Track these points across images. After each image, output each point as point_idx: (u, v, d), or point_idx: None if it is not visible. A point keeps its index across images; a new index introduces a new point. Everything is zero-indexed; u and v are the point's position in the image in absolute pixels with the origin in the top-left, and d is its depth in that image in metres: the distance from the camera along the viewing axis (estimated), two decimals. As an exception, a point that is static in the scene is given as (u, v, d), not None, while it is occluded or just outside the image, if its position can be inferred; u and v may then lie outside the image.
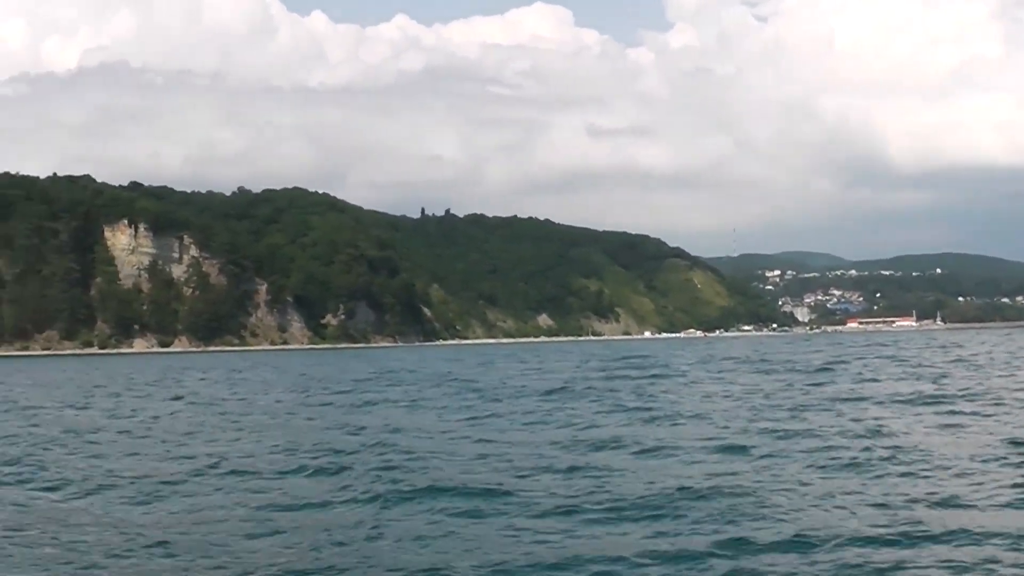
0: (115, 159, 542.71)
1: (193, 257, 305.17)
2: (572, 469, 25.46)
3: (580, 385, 61.33)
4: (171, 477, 26.28)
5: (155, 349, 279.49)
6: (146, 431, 39.65)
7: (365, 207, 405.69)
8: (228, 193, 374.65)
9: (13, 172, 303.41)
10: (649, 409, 42.02)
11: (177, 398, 58.97)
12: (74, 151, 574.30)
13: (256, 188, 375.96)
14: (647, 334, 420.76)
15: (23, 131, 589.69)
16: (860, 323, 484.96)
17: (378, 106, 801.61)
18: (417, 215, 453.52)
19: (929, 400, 42.79)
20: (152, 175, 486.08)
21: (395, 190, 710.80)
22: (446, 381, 73.76)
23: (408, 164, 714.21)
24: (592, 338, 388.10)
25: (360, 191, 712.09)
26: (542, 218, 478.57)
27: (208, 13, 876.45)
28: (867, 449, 27.56)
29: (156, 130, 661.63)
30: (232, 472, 26.69)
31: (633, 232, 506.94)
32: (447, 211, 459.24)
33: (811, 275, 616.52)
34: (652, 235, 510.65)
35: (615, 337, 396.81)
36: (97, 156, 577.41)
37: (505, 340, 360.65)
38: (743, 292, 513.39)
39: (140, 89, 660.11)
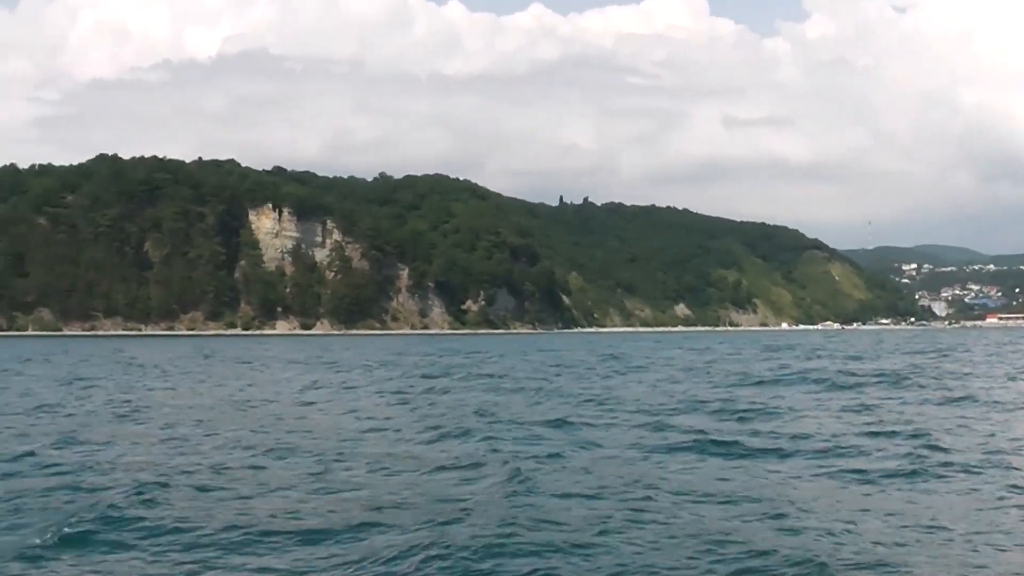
0: (254, 145, 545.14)
1: (336, 241, 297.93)
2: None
3: (856, 376, 52.68)
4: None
5: (297, 331, 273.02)
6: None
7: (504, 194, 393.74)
8: (369, 179, 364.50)
9: (160, 156, 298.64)
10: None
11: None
12: (214, 136, 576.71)
13: (395, 174, 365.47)
14: (784, 326, 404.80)
15: (165, 117, 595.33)
16: (1000, 319, 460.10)
17: (514, 95, 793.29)
18: (553, 203, 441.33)
19: None
20: (290, 161, 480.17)
21: (531, 178, 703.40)
22: (696, 368, 67.15)
23: (544, 152, 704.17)
24: (730, 328, 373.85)
25: (497, 178, 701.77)
26: (680, 207, 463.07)
27: (345, 1, 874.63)
28: None
29: (294, 117, 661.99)
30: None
31: (771, 223, 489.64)
32: (585, 199, 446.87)
33: (948, 269, 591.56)
34: (789, 226, 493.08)
35: (754, 328, 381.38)
36: (236, 141, 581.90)
37: (643, 329, 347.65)
38: (881, 285, 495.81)
39: (279, 76, 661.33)
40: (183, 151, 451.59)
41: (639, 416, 32.31)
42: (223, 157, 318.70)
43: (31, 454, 24.64)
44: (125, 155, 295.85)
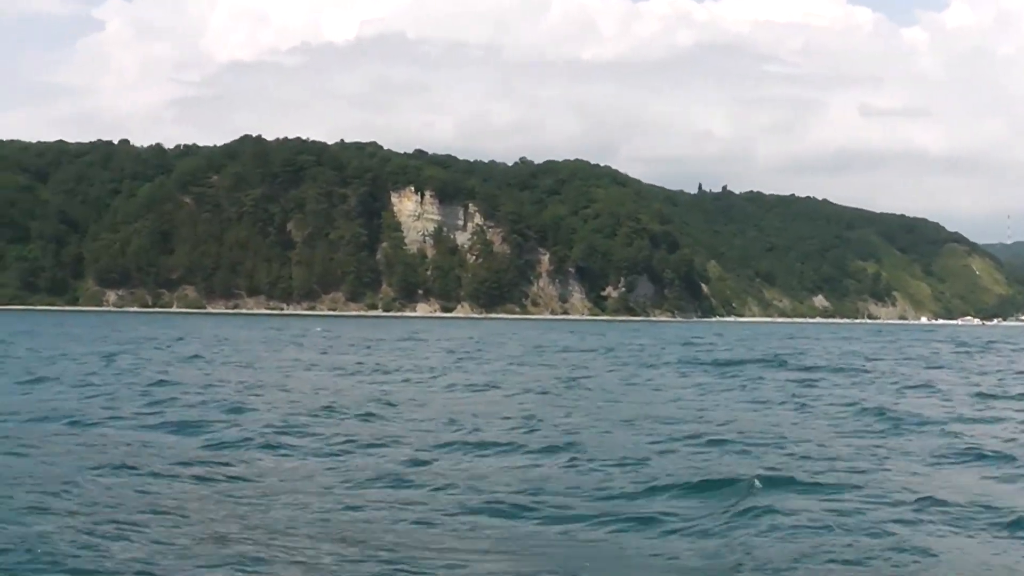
0: (392, 127, 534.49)
1: (477, 225, 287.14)
2: None
3: None
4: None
5: (438, 314, 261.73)
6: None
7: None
8: (510, 163, 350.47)
9: (304, 138, 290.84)
10: None
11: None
12: (352, 119, 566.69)
13: (531, 158, 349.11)
14: (923, 319, 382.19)
15: (303, 99, 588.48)
16: None
17: (649, 81, 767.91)
18: (691, 190, 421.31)
19: None
20: (428, 144, 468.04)
21: (665, 165, 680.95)
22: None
23: (678, 140, 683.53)
24: (868, 321, 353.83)
25: (632, 165, 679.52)
26: (819, 198, 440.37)
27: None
28: None
29: (432, 100, 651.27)
30: None
31: (910, 215, 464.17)
32: (724, 188, 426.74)
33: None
34: (929, 219, 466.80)
35: (893, 321, 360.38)
36: (375, 124, 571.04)
37: (780, 320, 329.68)
38: (1022, 280, 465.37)
39: (416, 60, 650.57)
40: (321, 133, 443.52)
41: None
42: (361, 139, 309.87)
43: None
44: (266, 136, 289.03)
